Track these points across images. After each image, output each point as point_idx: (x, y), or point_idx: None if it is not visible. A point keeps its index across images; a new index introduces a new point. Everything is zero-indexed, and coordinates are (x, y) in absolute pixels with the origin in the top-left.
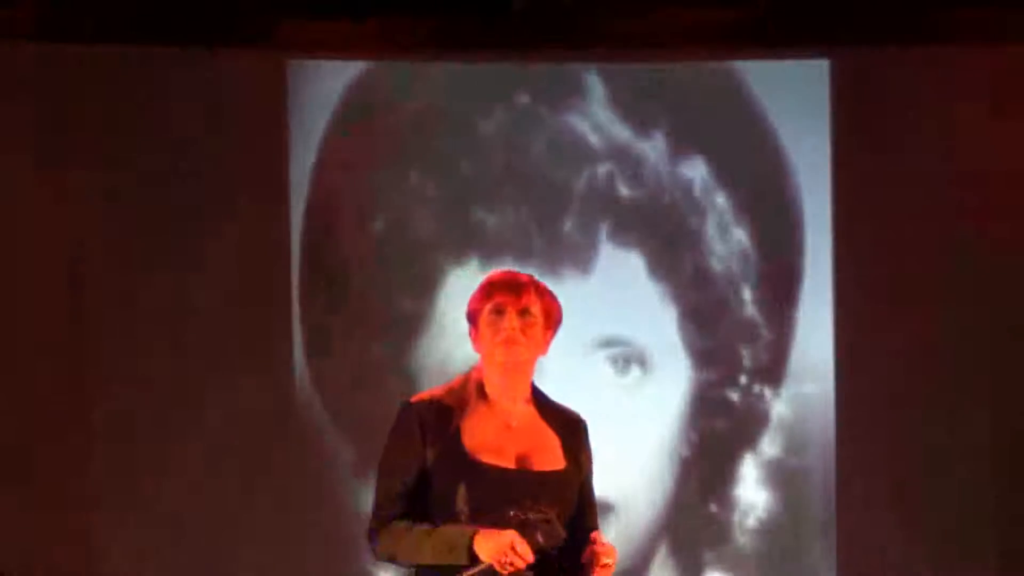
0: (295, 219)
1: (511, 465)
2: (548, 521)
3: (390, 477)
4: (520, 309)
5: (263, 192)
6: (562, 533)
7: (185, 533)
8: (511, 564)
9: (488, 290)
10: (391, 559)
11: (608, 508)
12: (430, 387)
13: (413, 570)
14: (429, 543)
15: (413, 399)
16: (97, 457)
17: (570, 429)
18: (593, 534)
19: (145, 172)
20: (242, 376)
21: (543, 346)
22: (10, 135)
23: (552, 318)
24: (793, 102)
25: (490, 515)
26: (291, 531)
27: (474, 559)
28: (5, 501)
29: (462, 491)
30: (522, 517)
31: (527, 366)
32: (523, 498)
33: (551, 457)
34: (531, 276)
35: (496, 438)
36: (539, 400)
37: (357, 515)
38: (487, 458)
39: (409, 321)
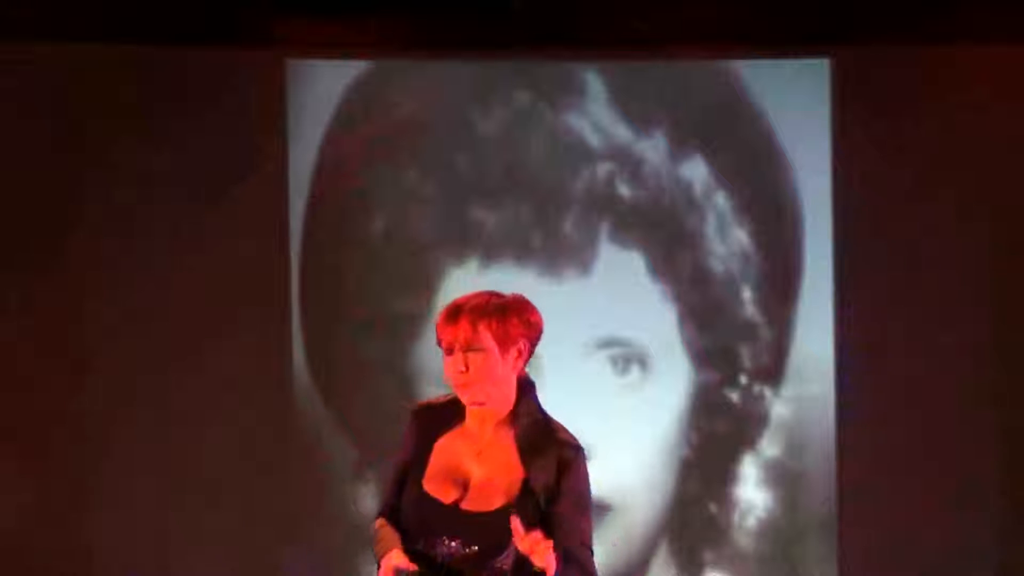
0: (295, 219)
1: (447, 500)
2: (474, 558)
3: (392, 474)
4: (464, 347)
5: (263, 192)
6: (499, 563)
7: (185, 534)
8: None
9: (438, 327)
10: None
11: (608, 508)
12: (429, 388)
13: None
14: (376, 546)
15: (418, 404)
16: (95, 456)
17: (542, 461)
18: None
19: (144, 171)
20: (242, 376)
21: (511, 367)
22: (9, 134)
23: (510, 337)
24: (793, 101)
25: (423, 544)
26: (291, 531)
27: None
28: (4, 502)
29: (406, 511)
30: (440, 552)
31: (492, 392)
32: (444, 534)
33: (495, 495)
34: (477, 300)
35: (453, 465)
36: (526, 422)
37: (357, 515)
38: (431, 489)
39: (409, 321)
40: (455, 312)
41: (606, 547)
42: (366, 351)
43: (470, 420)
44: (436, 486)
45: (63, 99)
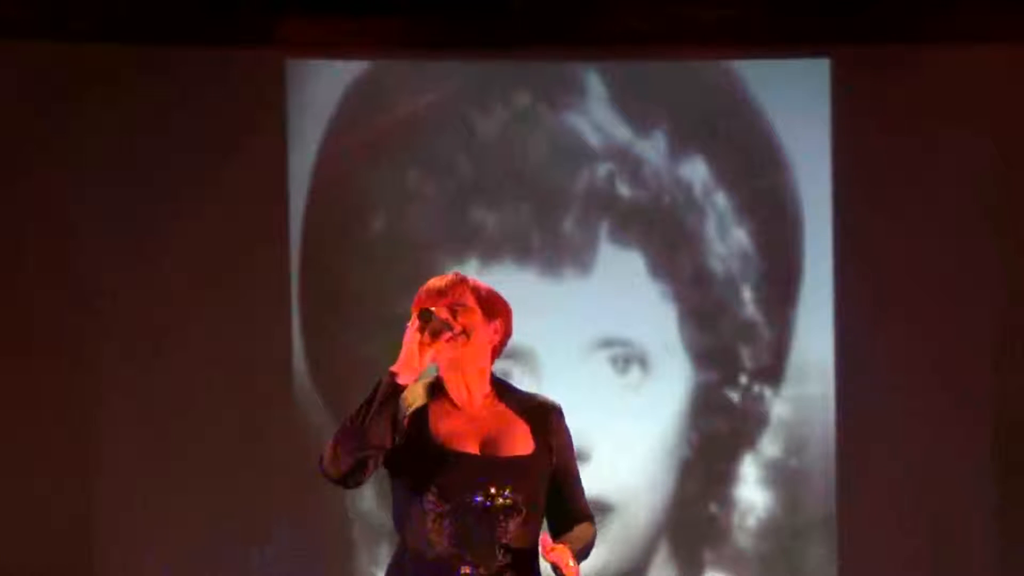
0: (295, 219)
1: (475, 452)
2: (513, 506)
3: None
4: (450, 304)
5: (263, 192)
6: (527, 518)
7: (185, 533)
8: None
9: (418, 298)
10: (333, 457)
11: (608, 508)
12: None
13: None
14: (361, 408)
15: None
16: (95, 456)
17: (538, 414)
18: (543, 539)
19: (144, 171)
20: (242, 376)
21: (489, 338)
22: (9, 133)
23: (494, 311)
24: (793, 101)
25: (455, 500)
26: (291, 531)
27: (395, 382)
28: (4, 499)
29: (428, 477)
30: (486, 503)
31: (470, 358)
32: (487, 484)
33: (518, 442)
34: (464, 277)
35: (461, 428)
36: (502, 392)
37: (356, 515)
38: (453, 445)
39: (408, 321)
40: (440, 283)
41: (606, 547)
42: (366, 351)
43: (456, 394)
44: (456, 443)
45: (63, 99)
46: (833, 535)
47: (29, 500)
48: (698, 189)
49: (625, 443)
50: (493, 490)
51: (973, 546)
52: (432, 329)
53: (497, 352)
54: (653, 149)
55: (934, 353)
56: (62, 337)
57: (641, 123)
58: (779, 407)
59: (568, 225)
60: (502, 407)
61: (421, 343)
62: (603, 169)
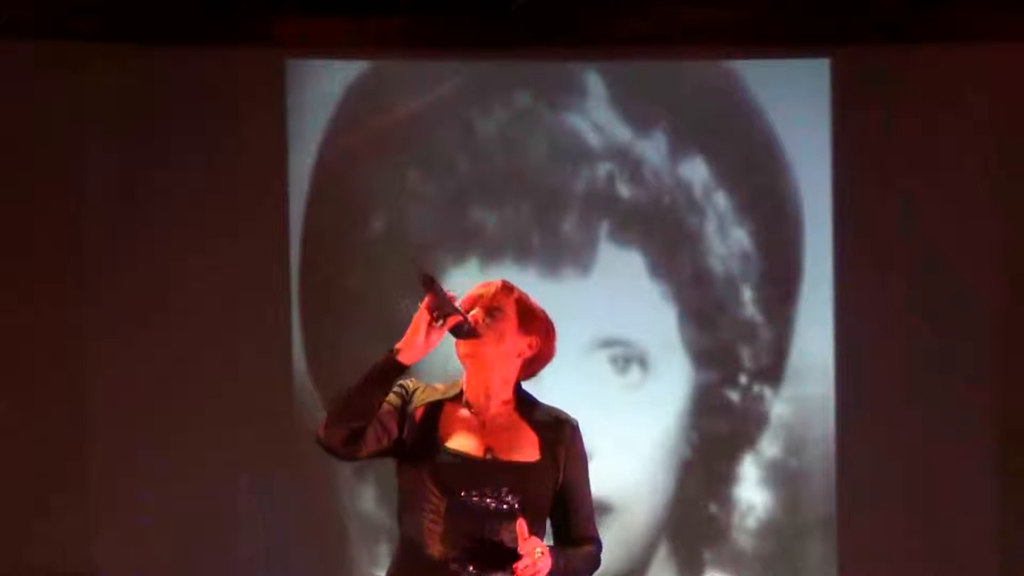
0: (294, 219)
1: (478, 454)
2: (507, 510)
3: None
4: (488, 307)
5: (262, 192)
6: (522, 523)
7: (185, 534)
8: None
9: (464, 301)
10: (326, 425)
11: (608, 508)
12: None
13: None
14: (359, 379)
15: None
16: (95, 457)
17: (551, 427)
18: (519, 527)
19: (143, 171)
20: (242, 377)
21: (519, 351)
22: (9, 133)
23: (532, 327)
24: (793, 101)
25: (450, 499)
26: (291, 531)
27: (394, 358)
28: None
29: (428, 473)
30: (482, 504)
31: (495, 362)
32: (485, 486)
33: (524, 450)
34: (512, 286)
35: (468, 429)
36: (522, 402)
37: (356, 515)
38: (456, 444)
39: (409, 322)
40: (481, 288)
41: (606, 547)
42: (366, 351)
43: (474, 397)
44: (459, 444)
45: (63, 98)
46: (833, 535)
47: (29, 501)
48: (698, 189)
49: (625, 443)
50: (488, 491)
51: (973, 546)
52: (439, 310)
53: (529, 367)
54: (653, 149)
55: (934, 353)
56: (62, 335)
57: (641, 123)
58: (779, 407)
59: (568, 225)
60: (516, 417)
61: (430, 324)
62: (603, 169)
